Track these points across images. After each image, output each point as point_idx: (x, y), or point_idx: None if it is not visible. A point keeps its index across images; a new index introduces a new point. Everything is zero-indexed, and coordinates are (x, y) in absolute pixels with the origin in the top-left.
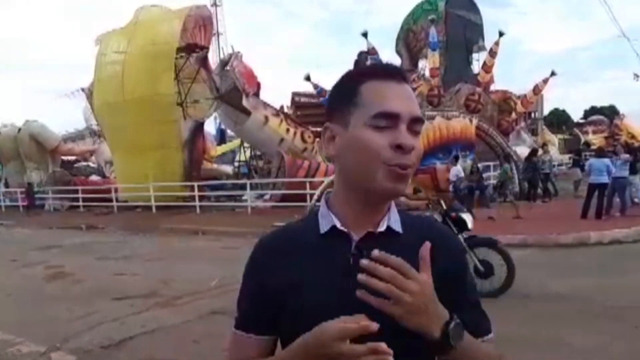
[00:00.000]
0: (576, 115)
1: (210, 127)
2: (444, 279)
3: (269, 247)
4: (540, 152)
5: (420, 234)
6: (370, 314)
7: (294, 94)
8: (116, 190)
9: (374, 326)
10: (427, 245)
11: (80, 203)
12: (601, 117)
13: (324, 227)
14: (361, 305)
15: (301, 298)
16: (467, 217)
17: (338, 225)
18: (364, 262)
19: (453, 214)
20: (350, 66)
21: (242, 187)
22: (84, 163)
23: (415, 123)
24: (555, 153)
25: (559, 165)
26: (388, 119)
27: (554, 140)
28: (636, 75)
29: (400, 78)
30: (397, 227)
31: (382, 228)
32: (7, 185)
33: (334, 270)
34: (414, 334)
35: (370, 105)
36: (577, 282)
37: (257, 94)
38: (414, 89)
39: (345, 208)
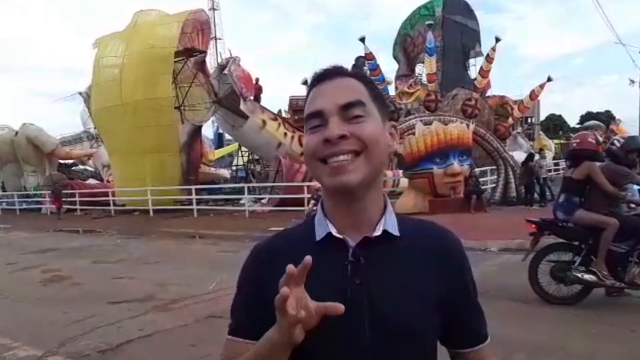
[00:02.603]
0: (572, 121)
1: (208, 131)
2: (448, 283)
3: (264, 254)
4: (536, 157)
5: (420, 237)
6: (368, 322)
7: (292, 98)
8: (113, 193)
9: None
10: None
11: (78, 206)
12: (597, 122)
13: (319, 234)
14: (360, 313)
15: None
16: None
17: (334, 232)
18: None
19: None
20: None
21: (240, 191)
22: (81, 166)
23: (347, 110)
24: (550, 158)
25: (555, 170)
26: (316, 118)
27: (551, 145)
28: (632, 81)
29: (330, 76)
30: (394, 230)
31: (378, 232)
32: (3, 188)
33: (331, 278)
34: (404, 343)
35: (305, 113)
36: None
37: (258, 98)
38: (411, 94)
39: (337, 214)
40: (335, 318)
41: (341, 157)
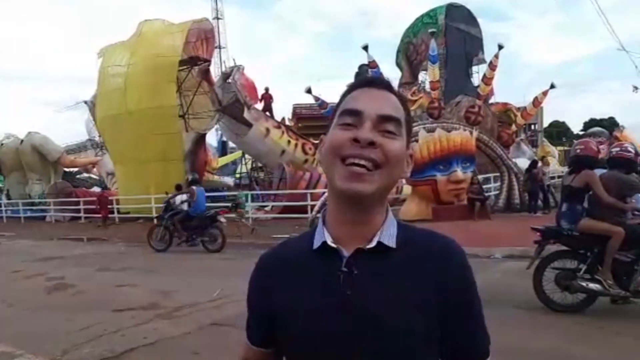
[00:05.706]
0: (576, 127)
1: (211, 139)
2: (445, 294)
3: (267, 263)
4: (539, 163)
5: (420, 248)
6: (358, 334)
7: (295, 106)
8: (118, 201)
9: None
10: None
11: (82, 214)
12: (601, 129)
13: (317, 243)
14: (349, 323)
15: (292, 316)
16: None
17: (329, 241)
18: None
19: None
20: (351, 79)
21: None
22: (86, 174)
23: (384, 122)
24: (554, 165)
25: (559, 177)
26: (351, 116)
27: (554, 151)
28: (635, 87)
29: (379, 86)
30: (391, 242)
31: (372, 244)
32: (8, 196)
33: (324, 287)
34: (397, 355)
35: (341, 108)
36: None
37: (269, 107)
38: (414, 101)
39: (337, 222)
40: (326, 328)
41: (363, 162)
